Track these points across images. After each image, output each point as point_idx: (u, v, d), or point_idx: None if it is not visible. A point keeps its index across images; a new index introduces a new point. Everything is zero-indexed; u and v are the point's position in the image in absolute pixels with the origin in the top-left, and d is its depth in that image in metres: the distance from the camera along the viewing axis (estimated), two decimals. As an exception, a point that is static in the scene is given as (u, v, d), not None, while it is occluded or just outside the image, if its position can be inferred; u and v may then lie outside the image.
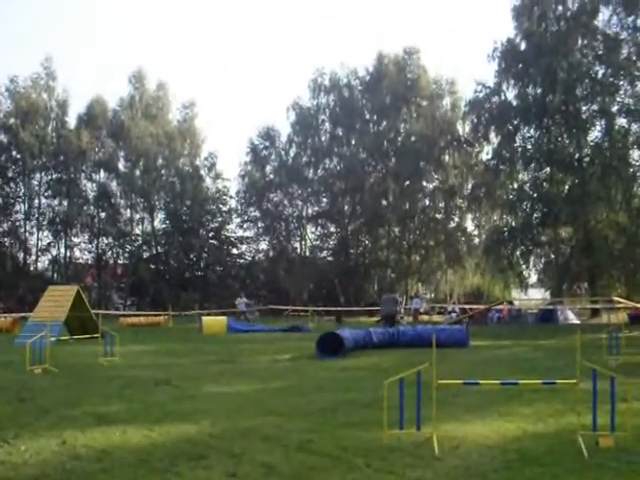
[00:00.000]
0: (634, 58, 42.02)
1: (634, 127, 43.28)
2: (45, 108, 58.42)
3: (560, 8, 44.64)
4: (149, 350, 21.82)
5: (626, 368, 13.47)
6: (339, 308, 44.69)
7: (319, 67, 60.18)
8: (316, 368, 15.98)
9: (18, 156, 57.42)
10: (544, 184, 45.98)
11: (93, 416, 9.79)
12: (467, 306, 45.21)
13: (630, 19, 42.01)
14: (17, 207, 58.84)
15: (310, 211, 61.84)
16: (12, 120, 57.32)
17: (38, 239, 59.41)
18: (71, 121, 59.94)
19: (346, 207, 60.80)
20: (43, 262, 60.60)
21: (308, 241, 62.48)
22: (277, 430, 8.74)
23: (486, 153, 52.37)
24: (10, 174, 58.08)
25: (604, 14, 43.44)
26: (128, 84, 61.29)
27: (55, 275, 58.54)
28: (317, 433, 8.52)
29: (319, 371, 15.33)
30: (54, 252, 59.64)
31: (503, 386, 10.14)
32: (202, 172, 62.43)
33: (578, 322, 38.34)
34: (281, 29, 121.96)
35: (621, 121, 43.75)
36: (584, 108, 44.60)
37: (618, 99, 43.32)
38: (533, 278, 52.14)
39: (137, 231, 62.02)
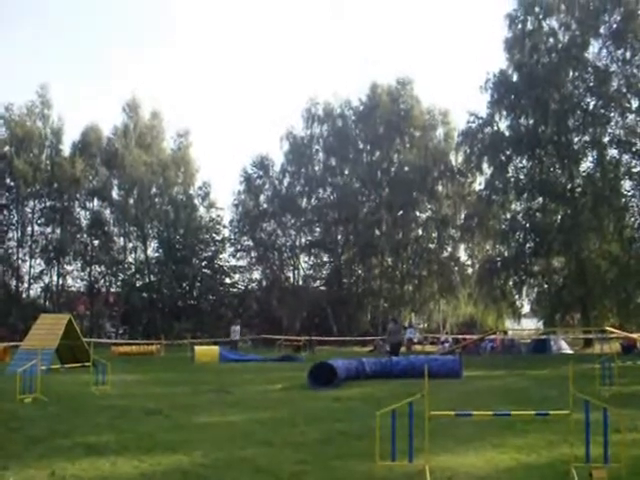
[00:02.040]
0: (624, 90, 42.39)
1: (625, 158, 43.56)
2: (40, 136, 58.51)
3: (551, 40, 45.07)
4: (141, 379, 21.68)
5: (619, 398, 13.44)
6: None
7: (313, 97, 60.69)
8: (308, 398, 15.90)
9: (12, 184, 57.42)
10: (537, 214, 46.09)
11: (83, 446, 9.72)
12: (460, 336, 45.14)
13: (619, 52, 42.51)
14: (10, 234, 58.73)
15: (303, 240, 61.90)
16: (6, 148, 57.45)
17: (30, 267, 59.31)
18: (65, 149, 60.07)
19: (339, 237, 60.90)
20: (35, 290, 60.43)
21: (301, 270, 62.48)
22: (269, 461, 8.69)
23: (479, 183, 52.65)
24: (3, 201, 58.04)
25: (594, 47, 43.99)
26: (122, 113, 61.53)
27: (47, 303, 58.26)
28: (310, 464, 8.48)
29: (311, 401, 15.25)
30: (46, 280, 59.48)
31: (496, 417, 10.11)
32: (196, 201, 62.50)
33: (571, 352, 38.30)
34: (275, 58, 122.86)
35: (612, 152, 44.04)
36: (576, 139, 44.88)
37: (609, 130, 43.63)
38: (526, 308, 52.19)
39: (130, 259, 61.88)
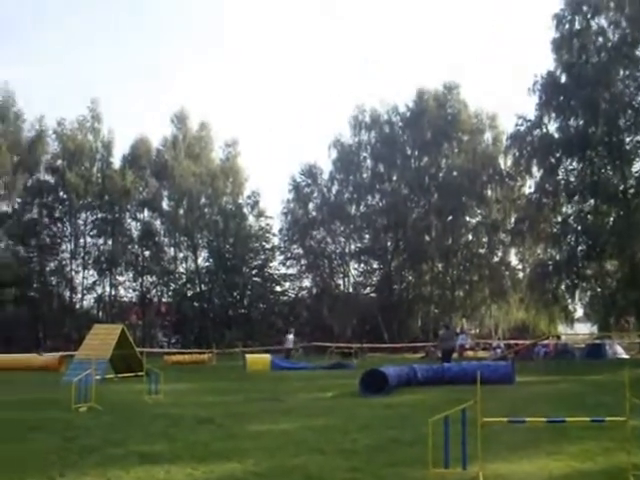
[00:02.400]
0: (677, 88, 41.61)
1: (678, 157, 42.73)
2: (90, 149, 59.51)
3: (600, 39, 44.43)
4: (193, 388, 21.85)
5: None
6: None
7: (359, 104, 60.79)
8: (360, 405, 15.86)
9: (64, 196, 58.50)
10: (588, 217, 45.43)
11: (137, 455, 9.81)
12: (512, 341, 44.65)
13: (672, 49, 41.73)
14: (63, 246, 59.87)
15: (353, 247, 61.91)
16: (59, 161, 58.79)
17: (83, 278, 60.24)
18: (116, 161, 61.02)
19: (389, 243, 60.76)
20: (88, 300, 61.32)
21: (351, 277, 62.46)
22: (320, 469, 8.67)
23: (529, 187, 52.05)
24: (57, 214, 59.26)
25: (645, 44, 43.19)
26: (171, 124, 62.33)
27: (100, 313, 59.13)
28: (361, 472, 8.44)
29: (363, 409, 15.20)
30: (99, 290, 60.35)
31: (550, 423, 9.95)
32: (245, 210, 62.82)
33: (627, 357, 37.59)
34: (322, 66, 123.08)
35: (666, 151, 43.22)
36: (627, 139, 44.09)
37: (662, 129, 42.83)
38: (579, 312, 51.35)
39: (181, 269, 62.50)
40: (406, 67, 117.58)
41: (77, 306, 60.14)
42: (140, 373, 22.82)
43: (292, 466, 8.87)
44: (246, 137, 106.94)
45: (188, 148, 61.50)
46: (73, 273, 59.90)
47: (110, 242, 59.69)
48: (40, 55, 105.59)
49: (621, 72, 43.61)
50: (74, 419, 13.84)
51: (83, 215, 60.12)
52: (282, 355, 39.27)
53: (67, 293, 60.39)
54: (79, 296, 60.60)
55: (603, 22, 44.75)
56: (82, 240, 60.01)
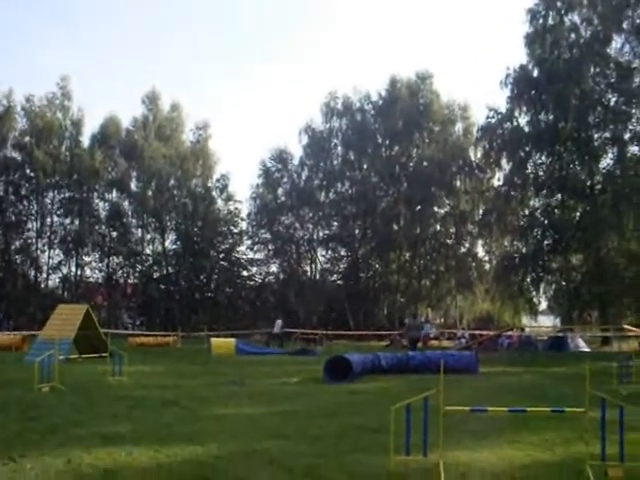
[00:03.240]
0: (646, 86, 42.07)
1: (646, 155, 43.25)
2: (60, 127, 58.83)
3: (573, 36, 44.75)
4: (157, 370, 21.80)
5: (636, 397, 13.38)
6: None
7: (332, 91, 60.57)
8: (324, 392, 15.92)
9: (32, 174, 57.80)
10: (555, 211, 45.86)
11: (100, 436, 9.78)
12: (477, 332, 45.00)
13: (643, 47, 42.15)
14: (29, 225, 59.26)
15: (321, 234, 61.86)
16: (27, 138, 57.98)
17: (49, 257, 59.74)
18: (85, 140, 60.47)
19: (357, 231, 60.82)
20: (54, 280, 60.89)
21: (318, 264, 62.44)
22: (284, 454, 8.71)
23: (497, 179, 52.37)
24: (23, 192, 58.54)
25: (617, 42, 43.52)
26: (142, 104, 61.84)
27: (65, 293, 58.62)
28: (324, 458, 8.50)
29: (327, 395, 15.27)
30: (65, 270, 59.91)
31: (511, 413, 10.07)
32: (214, 193, 62.56)
33: (589, 350, 38.08)
34: (295, 51, 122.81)
35: (633, 149, 43.68)
36: (596, 135, 44.52)
37: (630, 127, 43.24)
38: (543, 305, 51.89)
39: (148, 251, 62.15)
40: (380, 54, 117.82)
41: (42, 286, 59.60)
42: (104, 354, 22.67)
43: (255, 450, 8.90)
44: (217, 120, 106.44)
45: (158, 129, 61.08)
46: (39, 252, 59.39)
47: (77, 222, 59.15)
48: (8, 31, 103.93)
49: (592, 69, 43.97)
50: (36, 399, 13.77)
51: (50, 194, 59.49)
52: (274, 341, 39.57)
53: (32, 272, 59.81)
54: (44, 276, 60.14)
55: (576, 19, 45.08)
56: (49, 219, 59.47)
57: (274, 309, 60.49)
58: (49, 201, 59.52)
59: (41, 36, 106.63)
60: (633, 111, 42.84)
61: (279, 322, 40.64)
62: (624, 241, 43.13)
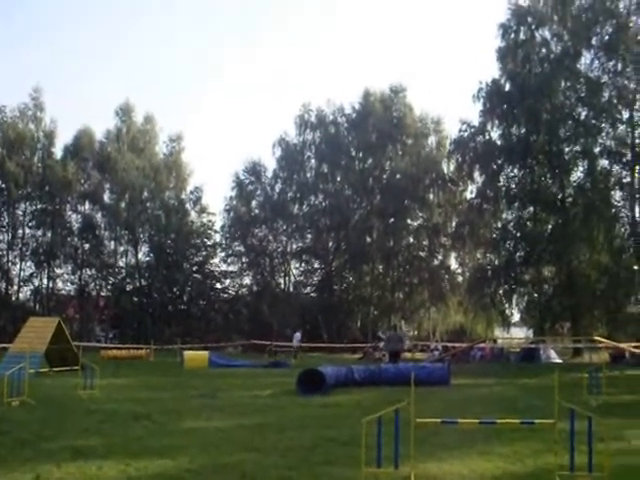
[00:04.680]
0: (615, 101, 42.69)
1: (615, 168, 43.86)
2: (32, 138, 58.33)
3: (544, 51, 45.35)
4: (130, 384, 21.66)
5: (606, 408, 13.52)
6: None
7: (305, 103, 60.62)
8: (296, 405, 15.92)
9: (3, 185, 57.10)
10: (527, 223, 46.30)
11: (70, 450, 9.71)
12: (450, 344, 45.17)
13: (611, 63, 42.84)
14: (0, 237, 58.45)
15: (294, 247, 61.81)
16: (-2, 150, 57.39)
17: (20, 269, 59.01)
18: (57, 152, 59.91)
19: (330, 243, 60.85)
20: (25, 293, 60.16)
21: (292, 277, 62.33)
22: (255, 467, 8.70)
23: (470, 192, 52.83)
24: (-6, 203, 57.90)
25: (586, 58, 44.32)
26: (115, 116, 61.52)
27: (37, 306, 58.04)
28: (296, 470, 8.50)
29: (299, 408, 15.27)
30: (36, 283, 59.22)
31: (482, 425, 10.14)
32: (187, 206, 62.36)
33: (560, 361, 38.32)
34: (268, 64, 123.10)
35: (603, 162, 44.29)
36: (567, 149, 45.08)
37: (600, 141, 43.86)
38: (516, 317, 52.31)
39: (121, 263, 61.71)
40: (354, 67, 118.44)
41: (13, 298, 58.85)
42: (76, 367, 22.50)
43: (227, 464, 8.89)
44: (190, 132, 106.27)
45: (132, 141, 60.81)
46: (10, 264, 58.61)
47: (49, 234, 58.62)
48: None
49: (562, 83, 44.59)
50: (5, 413, 13.64)
51: (22, 205, 58.89)
52: (290, 354, 39.37)
53: (3, 284, 59.01)
54: (15, 288, 59.34)
55: (547, 34, 45.75)
56: (20, 231, 58.78)
57: (247, 322, 60.42)
58: (21, 213, 58.91)
59: (14, 46, 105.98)
60: (603, 125, 43.50)
61: (298, 335, 40.50)
62: (595, 253, 43.62)
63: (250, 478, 8.11)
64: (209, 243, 61.95)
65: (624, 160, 42.83)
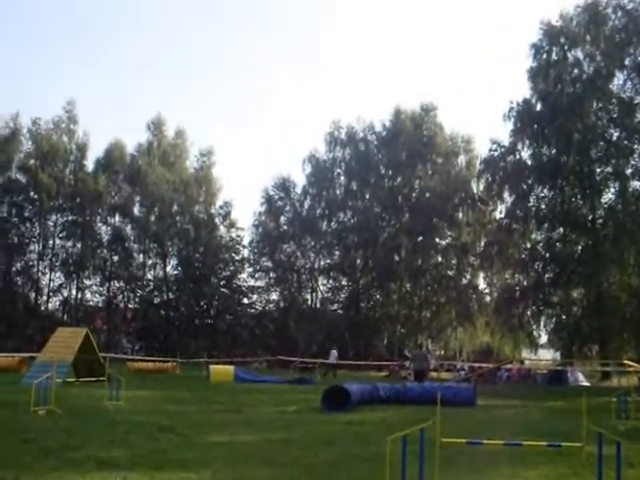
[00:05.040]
0: (648, 122, 42.30)
1: (647, 190, 43.37)
2: (65, 151, 59.21)
3: (576, 71, 45.14)
4: (155, 396, 21.71)
5: (635, 433, 13.31)
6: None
7: (336, 120, 60.87)
8: (321, 421, 15.87)
9: (35, 196, 58.03)
10: (557, 244, 45.93)
11: (94, 460, 9.74)
12: (476, 364, 44.85)
13: (644, 84, 42.48)
14: (31, 247, 59.34)
15: (322, 263, 61.88)
16: (32, 161, 58.32)
17: (50, 280, 59.77)
18: (89, 164, 60.78)
19: (358, 261, 60.85)
20: (54, 303, 60.90)
21: (319, 293, 62.37)
22: (279, 482, 8.68)
23: (499, 212, 52.52)
24: (26, 214, 58.69)
25: (619, 78, 44.05)
26: (147, 130, 62.17)
27: (65, 316, 58.57)
28: (319, 487, 8.46)
29: (324, 424, 15.22)
30: (65, 293, 59.88)
31: (507, 447, 10.03)
32: (216, 220, 62.72)
33: (588, 384, 37.90)
34: (299, 80, 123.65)
35: (635, 184, 43.94)
36: (598, 170, 44.72)
37: (632, 162, 43.48)
38: (543, 338, 51.84)
39: (149, 276, 62.16)
40: (385, 85, 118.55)
41: (42, 308, 59.55)
42: (102, 378, 22.61)
43: (250, 478, 8.87)
44: (221, 147, 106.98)
45: (163, 155, 61.38)
46: (40, 274, 59.46)
47: (79, 245, 59.25)
48: (17, 54, 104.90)
49: (594, 104, 44.34)
50: (32, 422, 13.72)
51: (53, 217, 59.67)
52: (328, 371, 39.28)
53: (32, 294, 59.82)
54: (44, 298, 60.13)
55: (579, 54, 45.56)
56: (51, 242, 59.50)
57: (273, 337, 60.44)
58: (52, 224, 59.68)
59: (50, 59, 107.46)
60: (635, 146, 43.14)
61: (334, 352, 40.30)
62: (625, 276, 43.12)
63: (273, 493, 8.09)
64: (237, 258, 62.15)
65: (656, 181, 42.40)
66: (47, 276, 59.65)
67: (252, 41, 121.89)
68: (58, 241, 59.65)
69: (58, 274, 59.61)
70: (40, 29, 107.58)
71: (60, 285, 59.62)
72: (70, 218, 59.47)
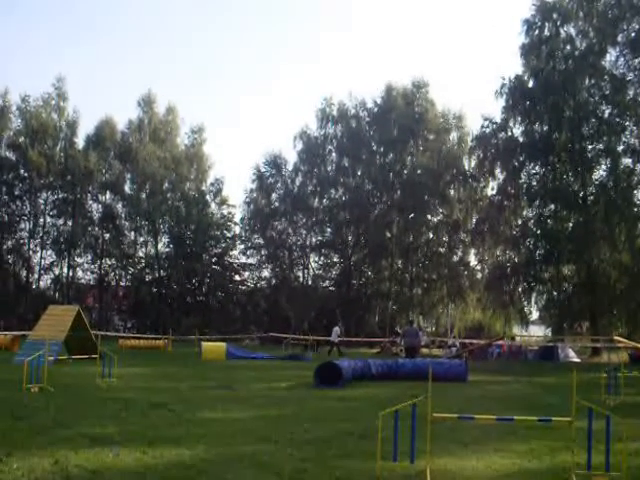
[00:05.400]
0: (640, 99, 42.30)
1: (639, 167, 43.43)
2: (54, 128, 58.75)
3: (568, 47, 44.99)
4: (147, 373, 21.77)
5: (624, 408, 13.43)
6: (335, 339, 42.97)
7: (327, 97, 60.57)
8: (313, 397, 15.94)
9: (25, 174, 57.74)
10: (548, 221, 45.99)
11: (87, 437, 9.77)
12: (467, 340, 45.06)
13: (637, 61, 42.36)
14: (22, 225, 59.10)
15: (314, 240, 61.85)
16: (21, 139, 57.88)
17: (41, 258, 59.56)
18: (79, 142, 60.33)
19: (350, 238, 60.84)
20: (45, 281, 60.74)
21: (311, 270, 62.41)
22: (271, 458, 8.72)
23: (491, 188, 52.65)
24: (17, 192, 58.37)
25: (611, 55, 43.92)
26: (137, 107, 61.87)
27: (57, 294, 58.48)
28: (311, 462, 8.50)
29: (316, 400, 15.29)
30: (57, 271, 59.72)
31: (498, 422, 10.08)
32: (208, 197, 62.53)
33: (578, 360, 38.18)
34: (291, 57, 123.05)
35: (626, 161, 43.99)
36: (590, 147, 44.75)
37: (623, 139, 43.56)
38: (534, 315, 52.10)
39: (140, 254, 62.05)
40: (376, 61, 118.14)
41: (33, 286, 59.46)
42: (94, 356, 22.63)
43: (242, 454, 8.91)
44: (212, 124, 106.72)
45: (153, 132, 61.10)
46: (31, 253, 59.27)
47: (70, 223, 58.99)
48: (6, 32, 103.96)
49: (587, 81, 44.27)
50: (24, 399, 13.76)
51: (44, 194, 59.37)
52: (332, 348, 37.72)
53: (24, 273, 59.67)
54: (36, 276, 59.99)
55: (572, 31, 45.42)
56: (41, 220, 59.27)
57: (265, 314, 60.56)
58: (42, 202, 59.40)
59: (39, 37, 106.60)
60: (627, 123, 43.17)
61: (337, 329, 39.13)
62: (616, 252, 43.32)
63: (265, 469, 8.12)
64: (229, 235, 62.10)
65: (647, 159, 42.43)
66: (38, 254, 59.55)
67: (238, 17, 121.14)
68: (49, 219, 59.48)
69: (49, 252, 59.53)
70: (28, 4, 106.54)
71: (51, 263, 59.49)
72: (61, 196, 59.17)
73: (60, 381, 16.63)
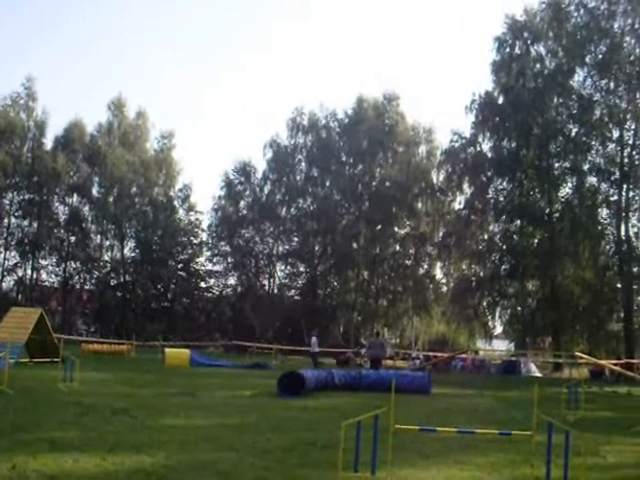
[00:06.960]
0: (606, 119, 42.97)
1: (603, 186, 44.17)
2: (22, 128, 58.15)
3: (538, 66, 45.58)
4: (109, 378, 21.56)
5: (583, 423, 13.55)
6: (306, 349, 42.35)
7: (298, 106, 60.72)
8: (276, 406, 15.89)
9: (-9, 174, 57.02)
10: (514, 237, 46.47)
11: (47, 441, 9.65)
12: (431, 353, 45.25)
13: (604, 82, 43.17)
14: (-14, 226, 58.31)
15: (281, 249, 61.91)
16: (-13, 138, 57.13)
17: (5, 259, 58.91)
18: (48, 143, 59.86)
19: (317, 247, 60.92)
20: (8, 283, 60.07)
21: (277, 279, 62.42)
22: (232, 467, 8.68)
23: (458, 202, 53.14)
24: (-19, 192, 57.60)
25: (579, 75, 44.68)
26: (107, 110, 61.44)
27: (20, 296, 57.84)
28: (272, 471, 8.48)
29: (279, 410, 15.25)
30: (20, 273, 59.15)
31: (460, 434, 10.15)
32: (176, 203, 62.37)
33: (540, 375, 38.52)
34: (263, 66, 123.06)
35: (591, 179, 44.66)
36: (556, 164, 45.35)
37: (589, 158, 44.21)
38: (498, 329, 52.48)
39: (106, 257, 61.64)
40: (348, 73, 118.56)
41: (-4, 287, 58.70)
42: (56, 359, 22.39)
43: (203, 462, 8.86)
44: (182, 130, 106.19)
45: (123, 136, 60.76)
46: (-6, 253, 58.44)
47: (35, 224, 58.47)
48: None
49: (555, 99, 44.83)
50: (-17, 402, 13.55)
51: (9, 195, 58.75)
52: (315, 360, 34.60)
53: (-14, 274, 58.94)
54: (-1, 277, 59.17)
55: (542, 49, 46.05)
56: (6, 220, 58.58)
57: (230, 322, 60.32)
58: (7, 202, 58.72)
59: (8, 35, 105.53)
60: (593, 143, 43.79)
61: (315, 339, 38.02)
62: (579, 269, 43.85)
63: (226, 477, 8.09)
64: (195, 241, 61.93)
65: (612, 178, 43.05)
66: (2, 255, 58.94)
67: (212, 24, 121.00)
68: (14, 220, 58.87)
69: (13, 253, 58.97)
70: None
71: (15, 264, 58.91)
72: (27, 197, 58.64)
73: (20, 384, 16.40)
